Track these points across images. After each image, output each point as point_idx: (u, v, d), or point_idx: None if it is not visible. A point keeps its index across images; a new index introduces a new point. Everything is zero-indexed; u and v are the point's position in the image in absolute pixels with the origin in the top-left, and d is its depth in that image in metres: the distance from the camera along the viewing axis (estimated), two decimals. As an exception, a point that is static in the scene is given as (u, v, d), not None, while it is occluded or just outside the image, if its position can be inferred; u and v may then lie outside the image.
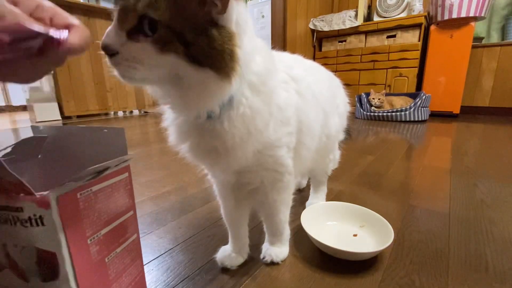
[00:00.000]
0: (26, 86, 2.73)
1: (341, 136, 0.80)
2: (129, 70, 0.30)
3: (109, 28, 0.29)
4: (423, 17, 2.75)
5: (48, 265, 0.26)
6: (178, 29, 0.28)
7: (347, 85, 0.77)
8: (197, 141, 0.40)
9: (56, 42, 0.25)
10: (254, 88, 0.38)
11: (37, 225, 0.24)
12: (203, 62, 0.30)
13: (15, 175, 0.22)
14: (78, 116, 2.87)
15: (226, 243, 0.58)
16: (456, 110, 2.82)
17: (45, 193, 0.23)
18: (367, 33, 3.15)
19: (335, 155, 0.81)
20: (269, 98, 0.41)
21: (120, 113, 3.33)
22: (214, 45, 0.29)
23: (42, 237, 0.25)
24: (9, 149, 0.31)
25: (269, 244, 0.58)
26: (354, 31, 3.20)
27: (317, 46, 3.59)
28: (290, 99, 0.47)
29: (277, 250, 0.57)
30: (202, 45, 0.29)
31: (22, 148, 0.32)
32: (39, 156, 0.25)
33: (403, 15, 2.95)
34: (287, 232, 0.59)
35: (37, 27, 0.23)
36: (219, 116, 0.37)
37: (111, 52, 0.29)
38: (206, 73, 0.30)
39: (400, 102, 2.72)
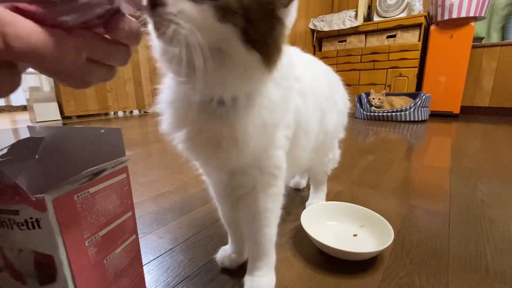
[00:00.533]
0: (26, 86, 2.73)
1: (341, 134, 0.80)
2: (171, 26, 0.25)
3: None
4: (423, 17, 2.75)
5: (46, 268, 0.25)
6: (246, 3, 0.26)
7: (347, 85, 0.76)
8: (200, 128, 0.36)
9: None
10: (275, 81, 0.38)
11: (34, 228, 0.24)
12: (255, 45, 0.28)
13: (9, 178, 0.22)
14: (78, 116, 2.87)
15: (226, 243, 0.58)
16: (456, 110, 2.82)
17: (41, 196, 0.23)
18: (367, 33, 3.15)
19: (335, 154, 0.81)
20: (286, 93, 0.41)
21: (120, 113, 3.33)
22: (272, 34, 0.29)
23: (39, 240, 0.25)
24: (5, 151, 0.31)
25: (251, 275, 0.49)
26: (354, 31, 3.20)
27: (317, 46, 3.59)
28: (294, 103, 0.46)
29: (263, 280, 0.48)
30: (262, 29, 0.28)
31: (19, 149, 0.32)
32: (36, 157, 0.25)
33: (403, 15, 2.95)
34: (273, 256, 0.51)
35: None
36: (235, 103, 0.35)
37: (158, 1, 0.25)
38: (254, 56, 0.29)
39: (400, 102, 2.72)
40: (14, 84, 0.18)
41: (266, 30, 0.28)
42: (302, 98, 0.49)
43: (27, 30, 0.15)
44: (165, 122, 0.40)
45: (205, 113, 0.35)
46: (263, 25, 0.28)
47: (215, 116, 0.35)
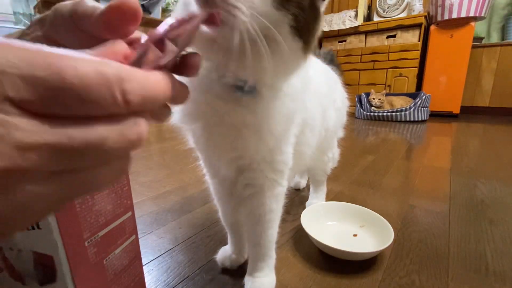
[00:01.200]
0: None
1: (340, 133, 0.80)
2: (233, 12, 0.24)
3: None
4: (423, 17, 2.75)
5: (45, 268, 0.25)
6: None
7: (347, 85, 0.76)
8: (220, 117, 0.35)
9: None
10: None
11: (33, 228, 0.24)
12: (300, 32, 0.29)
13: None
14: (78, 116, 2.87)
15: (226, 243, 0.58)
16: (456, 110, 2.82)
17: None
18: (367, 33, 3.15)
19: (334, 154, 0.81)
20: (305, 84, 0.42)
21: (120, 113, 3.33)
22: (314, 22, 0.30)
23: (38, 241, 0.25)
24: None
25: (252, 276, 0.49)
26: (354, 31, 3.20)
27: (317, 46, 3.59)
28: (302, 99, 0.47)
29: (264, 281, 0.49)
30: (308, 17, 0.29)
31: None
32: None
33: (403, 15, 2.94)
34: (274, 256, 0.51)
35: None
36: (262, 91, 0.35)
37: None
38: (297, 43, 0.29)
39: (400, 102, 2.72)
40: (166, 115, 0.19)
41: (310, 19, 0.29)
42: (308, 95, 0.50)
43: (142, 82, 0.14)
44: (179, 114, 0.38)
45: (228, 101, 0.34)
46: (310, 14, 0.29)
47: (239, 104, 0.35)
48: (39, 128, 0.12)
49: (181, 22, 0.19)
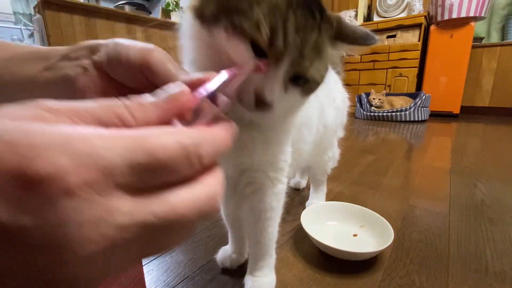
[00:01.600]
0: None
1: (341, 133, 0.80)
2: (270, 117, 0.31)
3: (265, 77, 0.27)
4: (423, 17, 2.75)
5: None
6: (319, 79, 0.32)
7: (347, 85, 0.76)
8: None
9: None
10: None
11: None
12: (308, 93, 0.34)
13: None
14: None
15: (226, 243, 0.58)
16: (456, 110, 2.82)
17: None
18: (367, 33, 3.15)
19: (334, 153, 0.81)
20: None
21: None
22: (323, 79, 0.34)
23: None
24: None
25: (252, 276, 0.50)
26: (354, 31, 3.19)
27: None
28: None
29: (264, 280, 0.49)
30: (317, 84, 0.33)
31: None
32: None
33: (403, 15, 2.94)
34: (274, 256, 0.52)
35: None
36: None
37: (267, 106, 0.28)
38: (305, 98, 0.34)
39: (400, 102, 2.72)
40: None
41: (319, 80, 0.33)
42: None
43: (212, 143, 0.16)
44: None
45: (237, 122, 0.37)
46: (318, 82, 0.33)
47: (248, 125, 0.36)
48: (133, 208, 0.13)
49: (232, 75, 0.20)
